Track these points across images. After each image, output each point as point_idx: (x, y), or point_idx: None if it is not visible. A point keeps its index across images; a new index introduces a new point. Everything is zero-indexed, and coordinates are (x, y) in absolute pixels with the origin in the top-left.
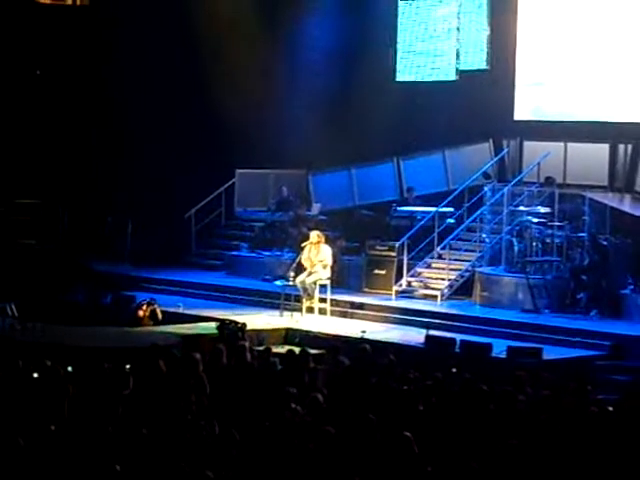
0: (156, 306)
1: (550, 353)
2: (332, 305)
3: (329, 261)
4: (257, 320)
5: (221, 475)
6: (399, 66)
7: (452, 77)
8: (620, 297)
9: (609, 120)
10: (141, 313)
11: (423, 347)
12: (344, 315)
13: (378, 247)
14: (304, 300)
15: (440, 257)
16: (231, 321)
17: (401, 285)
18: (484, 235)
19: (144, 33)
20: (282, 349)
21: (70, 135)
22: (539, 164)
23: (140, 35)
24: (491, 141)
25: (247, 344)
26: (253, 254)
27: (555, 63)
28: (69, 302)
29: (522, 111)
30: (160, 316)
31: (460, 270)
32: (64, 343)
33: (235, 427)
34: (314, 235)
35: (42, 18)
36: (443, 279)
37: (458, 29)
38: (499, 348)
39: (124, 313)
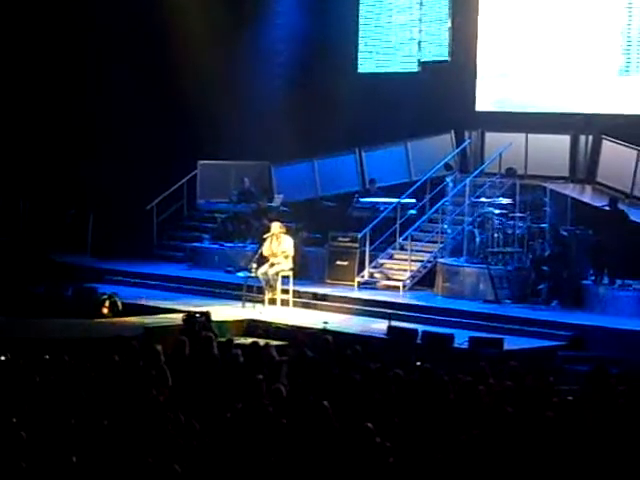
0: (116, 298)
1: (511, 343)
2: (294, 296)
3: (291, 252)
4: (219, 311)
5: (185, 467)
6: (361, 57)
7: (414, 68)
8: (581, 288)
9: (570, 111)
10: (105, 310)
11: (385, 338)
12: (306, 306)
13: (340, 238)
14: (266, 291)
15: (402, 248)
16: (196, 312)
17: (363, 276)
18: (446, 226)
19: (109, 24)
20: (245, 341)
21: (30, 127)
22: (500, 155)
23: (105, 25)
24: (453, 132)
25: (212, 336)
26: (215, 246)
27: (516, 54)
28: (31, 294)
29: (484, 102)
30: (120, 307)
31: (422, 261)
32: (26, 335)
33: (197, 418)
34: (276, 226)
35: (7, 8)
36: (405, 270)
37: (420, 20)
38: (461, 339)
39: (86, 305)
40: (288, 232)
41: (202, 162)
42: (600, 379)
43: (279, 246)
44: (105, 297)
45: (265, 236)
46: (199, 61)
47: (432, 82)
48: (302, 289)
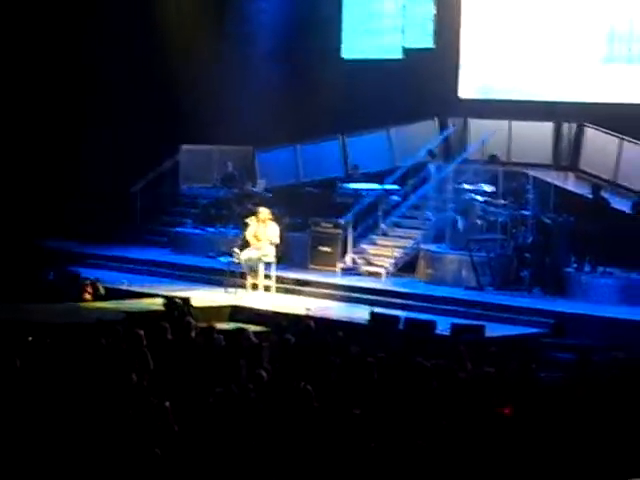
0: (98, 283)
1: (493, 330)
2: (277, 282)
3: (276, 239)
4: (201, 297)
5: (166, 451)
6: (345, 43)
7: (398, 55)
8: (563, 275)
9: (554, 99)
10: (88, 296)
11: (367, 324)
12: (289, 292)
13: (323, 224)
14: (249, 277)
15: (385, 234)
16: (176, 297)
17: (346, 262)
18: (429, 213)
19: (100, 11)
20: (227, 326)
21: (11, 108)
22: (484, 142)
23: (95, 12)
24: (436, 119)
25: (192, 321)
26: (198, 230)
27: (500, 42)
28: (12, 278)
29: (467, 89)
30: (102, 292)
31: (404, 247)
32: (8, 319)
33: (178, 403)
34: (264, 212)
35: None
36: (388, 256)
37: (404, 7)
38: (443, 325)
39: (68, 289)
40: (275, 219)
41: (185, 147)
42: (584, 367)
43: (265, 232)
44: (87, 282)
45: (247, 220)
46: (183, 46)
47: (415, 69)
48: (284, 275)
